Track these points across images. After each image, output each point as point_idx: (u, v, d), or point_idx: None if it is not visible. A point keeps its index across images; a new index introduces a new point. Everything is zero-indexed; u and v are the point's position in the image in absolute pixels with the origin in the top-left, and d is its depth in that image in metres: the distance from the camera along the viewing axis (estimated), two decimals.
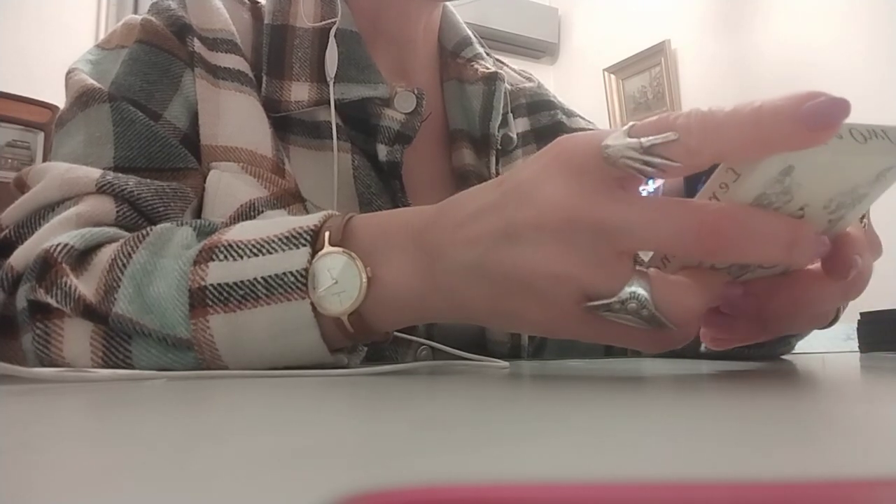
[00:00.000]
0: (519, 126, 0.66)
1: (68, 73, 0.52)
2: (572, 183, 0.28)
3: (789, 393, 0.25)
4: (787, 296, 0.31)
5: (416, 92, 0.55)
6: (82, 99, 0.50)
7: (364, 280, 0.33)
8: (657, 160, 0.26)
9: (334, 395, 0.25)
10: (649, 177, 0.27)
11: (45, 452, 0.13)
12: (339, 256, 0.34)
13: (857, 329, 0.66)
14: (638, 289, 0.27)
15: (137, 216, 0.45)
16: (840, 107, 0.24)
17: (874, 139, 0.26)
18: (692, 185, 0.36)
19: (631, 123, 0.27)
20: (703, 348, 0.51)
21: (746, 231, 0.26)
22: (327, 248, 0.34)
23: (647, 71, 2.93)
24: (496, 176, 0.59)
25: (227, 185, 0.49)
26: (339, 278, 0.34)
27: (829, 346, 0.71)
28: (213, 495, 0.10)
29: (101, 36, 2.33)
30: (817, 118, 0.24)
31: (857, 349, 0.66)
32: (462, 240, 0.31)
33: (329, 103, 0.53)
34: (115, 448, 0.14)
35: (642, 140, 0.26)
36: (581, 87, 3.13)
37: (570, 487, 0.09)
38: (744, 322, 0.33)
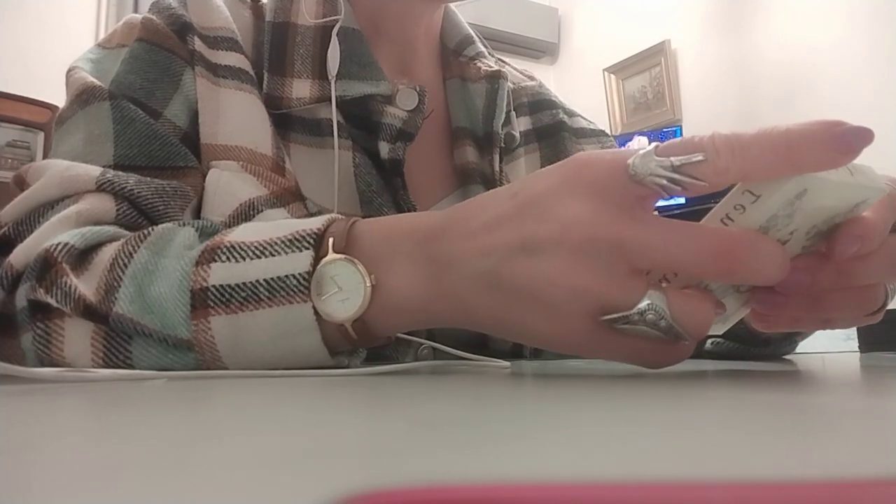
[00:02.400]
0: (521, 125, 0.66)
1: (69, 71, 0.52)
2: (595, 200, 0.29)
3: (789, 393, 0.25)
4: (831, 269, 0.32)
5: (418, 89, 0.55)
6: (82, 97, 0.49)
7: (368, 287, 0.33)
8: (685, 179, 0.27)
9: (334, 395, 0.25)
10: (673, 194, 0.28)
11: (45, 452, 0.13)
12: (344, 263, 0.34)
13: (857, 329, 0.66)
14: (656, 300, 0.28)
15: (137, 215, 0.45)
16: (866, 135, 0.26)
17: (859, 173, 0.29)
18: None
19: (654, 145, 0.28)
20: (707, 345, 0.51)
21: (756, 255, 0.28)
22: (331, 255, 0.34)
23: (647, 71, 2.93)
24: (499, 174, 0.59)
25: (227, 184, 0.49)
26: (343, 285, 0.34)
27: (829, 346, 0.71)
28: (213, 495, 0.10)
29: (101, 36, 2.34)
30: (847, 143, 0.26)
31: (857, 349, 0.66)
32: (475, 250, 0.31)
33: (330, 100, 0.53)
34: (115, 448, 0.14)
35: (672, 159, 0.27)
36: (581, 87, 3.14)
37: (570, 487, 0.09)
38: (796, 301, 0.33)
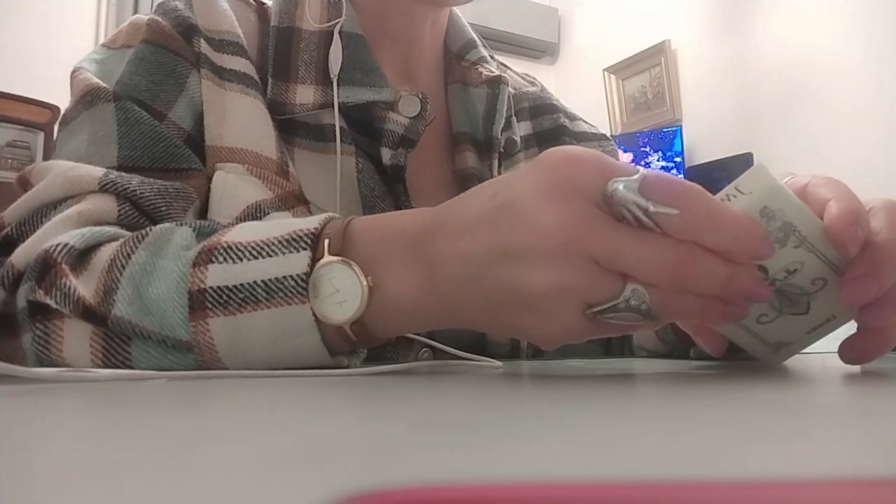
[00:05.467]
0: (522, 129, 0.66)
1: (73, 71, 0.52)
2: (569, 206, 0.29)
3: (789, 392, 0.25)
4: None
5: (420, 96, 0.55)
6: (87, 98, 0.49)
7: (365, 289, 0.34)
8: (650, 224, 0.28)
9: (334, 395, 0.25)
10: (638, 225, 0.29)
11: (45, 452, 0.13)
12: (340, 265, 0.34)
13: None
14: (637, 286, 0.29)
15: (139, 215, 0.45)
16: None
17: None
18: None
19: (643, 173, 0.29)
20: (692, 353, 0.51)
21: (700, 266, 0.29)
22: (327, 257, 0.34)
23: (647, 71, 2.93)
24: None
25: (233, 187, 0.49)
26: (340, 287, 0.34)
27: (829, 346, 0.70)
28: (213, 495, 0.10)
29: (102, 37, 2.34)
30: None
31: None
32: (457, 254, 0.31)
33: (333, 106, 0.53)
34: (115, 448, 0.14)
35: (650, 206, 0.28)
36: (581, 87, 3.13)
37: (569, 487, 0.09)
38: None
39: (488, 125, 0.60)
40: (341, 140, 0.53)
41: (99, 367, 0.35)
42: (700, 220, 0.29)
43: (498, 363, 0.42)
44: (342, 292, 0.34)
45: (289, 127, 0.54)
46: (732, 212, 0.30)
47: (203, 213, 0.50)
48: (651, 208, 0.28)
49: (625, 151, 2.78)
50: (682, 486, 0.10)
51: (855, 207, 0.32)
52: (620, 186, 0.28)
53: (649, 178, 0.29)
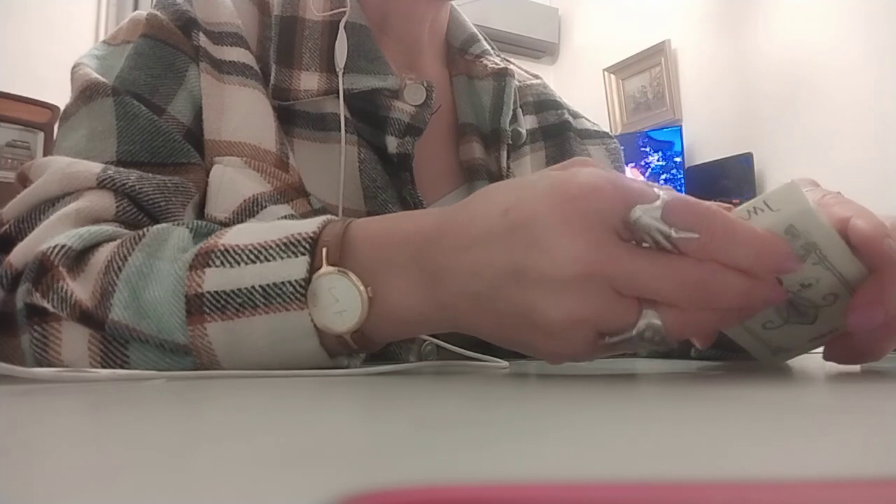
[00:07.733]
0: (527, 123, 0.66)
1: (74, 67, 0.52)
2: (588, 234, 0.29)
3: (789, 392, 0.25)
4: None
5: (425, 84, 0.55)
6: (86, 93, 0.49)
7: (365, 300, 0.33)
8: (670, 247, 0.29)
9: (334, 395, 0.25)
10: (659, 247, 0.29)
11: (45, 452, 0.13)
12: (339, 277, 0.34)
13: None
14: (653, 320, 0.29)
15: (138, 211, 0.45)
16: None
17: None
18: None
19: (664, 199, 0.29)
20: (692, 352, 0.51)
21: (719, 281, 0.29)
22: (326, 269, 0.34)
23: (647, 71, 2.93)
24: (507, 170, 0.59)
25: (231, 180, 0.49)
26: (339, 297, 0.33)
27: None
28: (213, 495, 0.10)
29: (101, 36, 2.34)
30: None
31: None
32: (466, 268, 0.31)
33: (338, 93, 0.53)
34: (115, 448, 0.14)
35: (672, 232, 0.28)
36: (581, 87, 3.13)
37: (570, 487, 0.09)
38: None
39: (495, 117, 0.60)
40: (344, 129, 0.53)
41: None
42: (719, 242, 0.29)
43: (504, 363, 0.42)
44: (342, 302, 0.33)
45: (289, 117, 0.54)
46: (753, 229, 0.30)
47: (201, 207, 0.50)
48: (674, 234, 0.28)
49: (624, 152, 2.78)
50: (682, 486, 0.10)
51: (881, 223, 0.32)
52: (643, 215, 0.28)
53: (670, 205, 0.29)
